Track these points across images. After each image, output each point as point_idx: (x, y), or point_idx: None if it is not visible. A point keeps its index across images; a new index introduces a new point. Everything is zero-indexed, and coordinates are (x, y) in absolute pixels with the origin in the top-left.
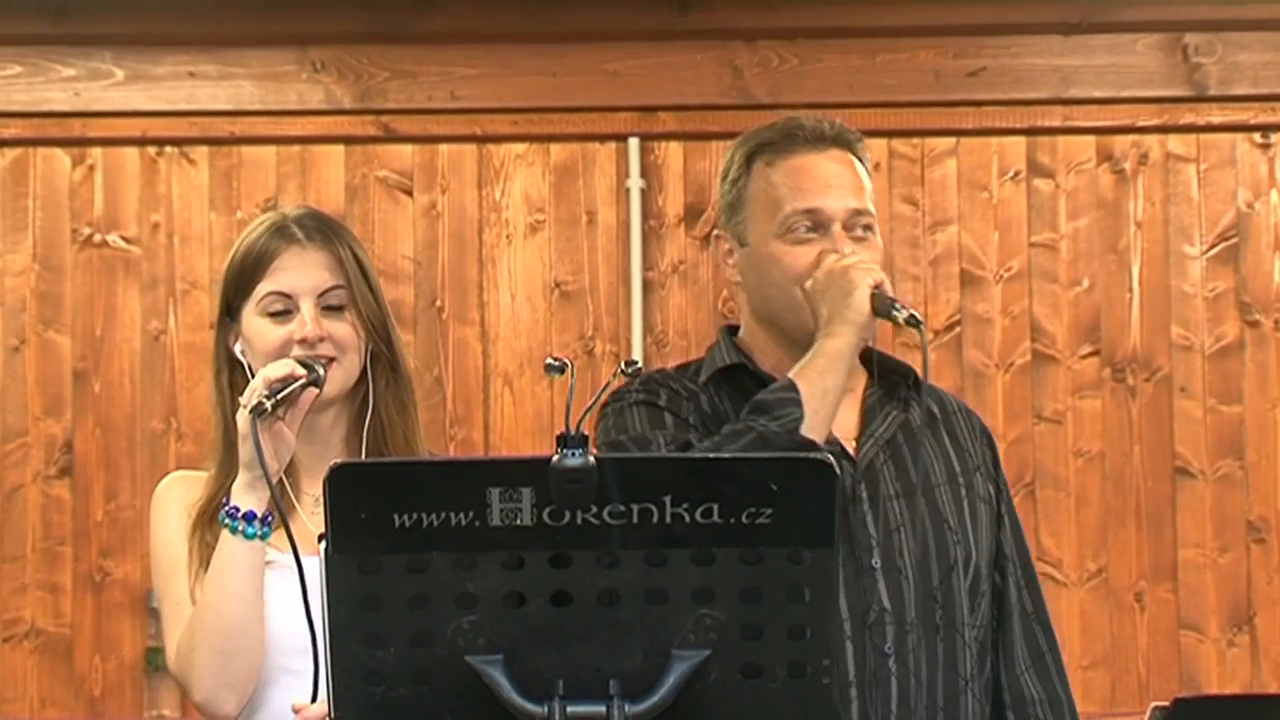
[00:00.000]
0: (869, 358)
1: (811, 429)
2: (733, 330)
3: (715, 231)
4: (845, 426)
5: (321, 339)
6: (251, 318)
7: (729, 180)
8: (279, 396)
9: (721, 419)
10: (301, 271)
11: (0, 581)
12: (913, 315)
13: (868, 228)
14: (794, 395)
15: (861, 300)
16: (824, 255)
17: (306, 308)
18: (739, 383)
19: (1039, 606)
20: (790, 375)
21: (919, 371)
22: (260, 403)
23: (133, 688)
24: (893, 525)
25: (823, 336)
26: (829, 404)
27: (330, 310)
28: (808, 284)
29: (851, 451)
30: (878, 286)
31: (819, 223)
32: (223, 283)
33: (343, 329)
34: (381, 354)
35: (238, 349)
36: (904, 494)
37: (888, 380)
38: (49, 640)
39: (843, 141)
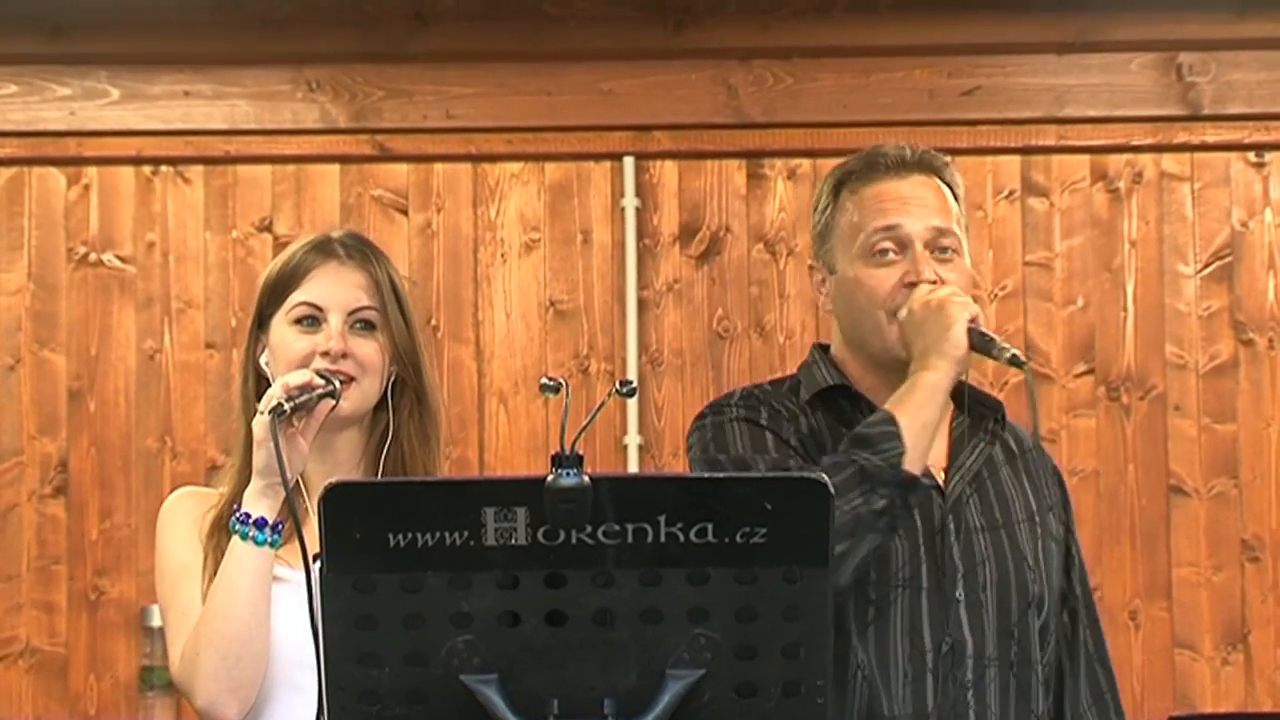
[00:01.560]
0: (959, 390)
1: (910, 463)
2: (826, 347)
3: (809, 264)
4: (934, 458)
5: (344, 355)
6: (280, 326)
7: (818, 211)
8: (297, 402)
9: (819, 441)
10: (335, 287)
11: None
12: (1015, 355)
13: (951, 249)
14: (895, 429)
15: (960, 335)
16: (907, 277)
17: (335, 322)
18: (835, 404)
19: (1100, 646)
20: (887, 408)
21: (1025, 410)
22: (279, 404)
23: (128, 707)
24: (977, 559)
25: (920, 369)
26: (926, 438)
27: (359, 330)
28: (901, 314)
29: (940, 483)
30: (973, 321)
31: (900, 242)
32: (258, 292)
33: (368, 350)
34: (409, 381)
35: (262, 360)
36: (988, 528)
37: (975, 412)
38: (44, 659)
39: (925, 165)
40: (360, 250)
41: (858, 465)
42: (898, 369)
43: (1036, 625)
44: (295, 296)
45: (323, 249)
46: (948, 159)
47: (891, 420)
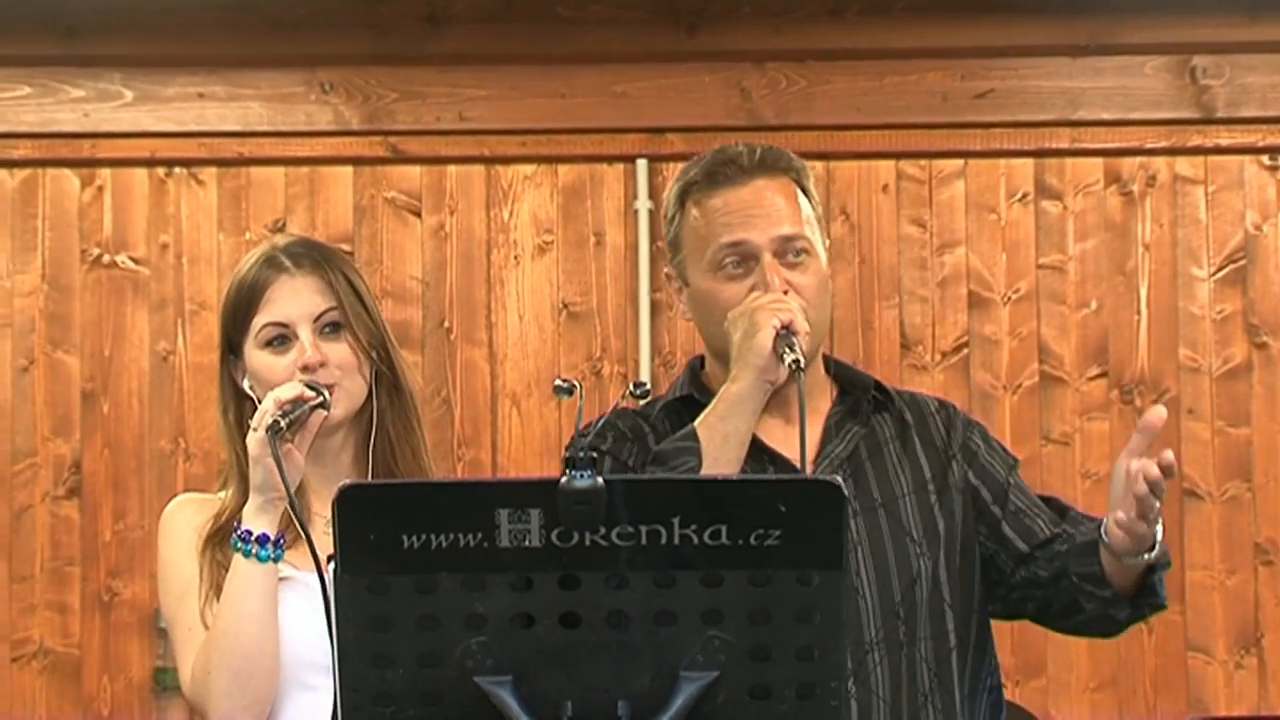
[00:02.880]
0: (831, 372)
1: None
2: (703, 361)
3: (665, 271)
4: (807, 447)
5: (323, 364)
6: (253, 352)
7: (666, 221)
8: (291, 417)
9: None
10: (294, 299)
11: (9, 601)
12: (796, 361)
13: (803, 251)
14: (692, 444)
15: (763, 342)
16: (755, 289)
17: (304, 334)
18: (681, 417)
19: (1041, 502)
20: (695, 422)
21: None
22: (275, 421)
23: (141, 707)
24: (849, 544)
25: (729, 380)
26: (731, 448)
27: (328, 334)
28: (725, 324)
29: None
30: (785, 326)
31: (747, 255)
32: (221, 320)
33: (342, 351)
34: (384, 373)
35: (246, 384)
36: (863, 510)
37: (853, 395)
38: (58, 660)
39: (767, 167)
40: (308, 256)
41: None
42: None
43: (925, 600)
44: (259, 320)
45: (271, 264)
46: (789, 155)
47: (691, 435)
